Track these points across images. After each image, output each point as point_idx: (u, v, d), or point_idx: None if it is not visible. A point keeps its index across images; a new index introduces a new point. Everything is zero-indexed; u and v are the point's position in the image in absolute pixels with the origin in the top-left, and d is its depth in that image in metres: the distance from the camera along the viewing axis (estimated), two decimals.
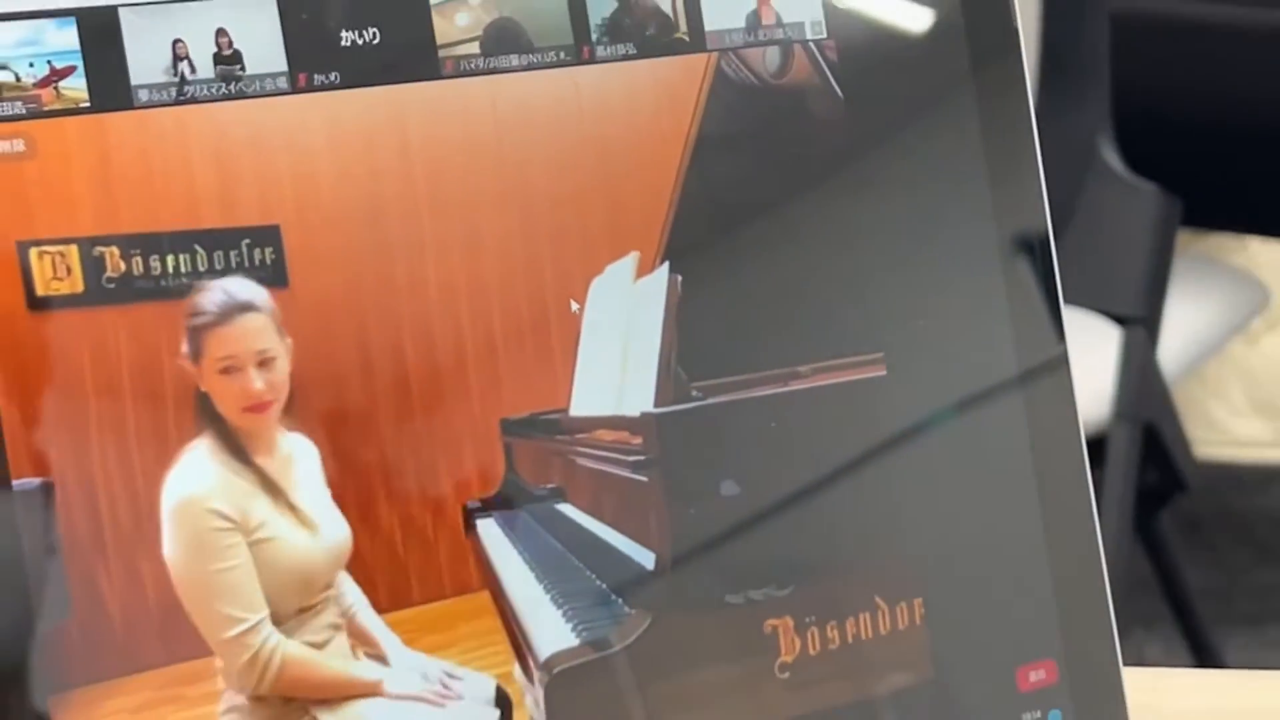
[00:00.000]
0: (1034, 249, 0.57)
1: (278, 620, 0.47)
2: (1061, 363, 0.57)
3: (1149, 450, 1.62)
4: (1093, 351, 1.55)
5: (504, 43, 0.50)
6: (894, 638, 0.53)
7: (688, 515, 0.51)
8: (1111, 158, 1.52)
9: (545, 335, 0.50)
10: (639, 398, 0.51)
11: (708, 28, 0.52)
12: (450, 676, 0.49)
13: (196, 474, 0.46)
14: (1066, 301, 1.52)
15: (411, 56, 0.49)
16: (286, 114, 0.48)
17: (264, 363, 0.47)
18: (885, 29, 0.55)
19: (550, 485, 0.50)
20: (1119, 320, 1.56)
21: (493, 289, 0.50)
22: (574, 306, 0.50)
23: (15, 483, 0.44)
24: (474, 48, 0.49)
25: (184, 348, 0.46)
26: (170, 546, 0.46)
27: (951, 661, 0.54)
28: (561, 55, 0.50)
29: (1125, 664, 0.57)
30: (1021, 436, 0.56)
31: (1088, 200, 1.51)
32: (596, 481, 0.51)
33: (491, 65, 0.50)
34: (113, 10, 0.46)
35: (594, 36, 0.51)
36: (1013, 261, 0.57)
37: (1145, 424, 1.58)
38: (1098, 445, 1.56)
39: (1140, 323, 1.56)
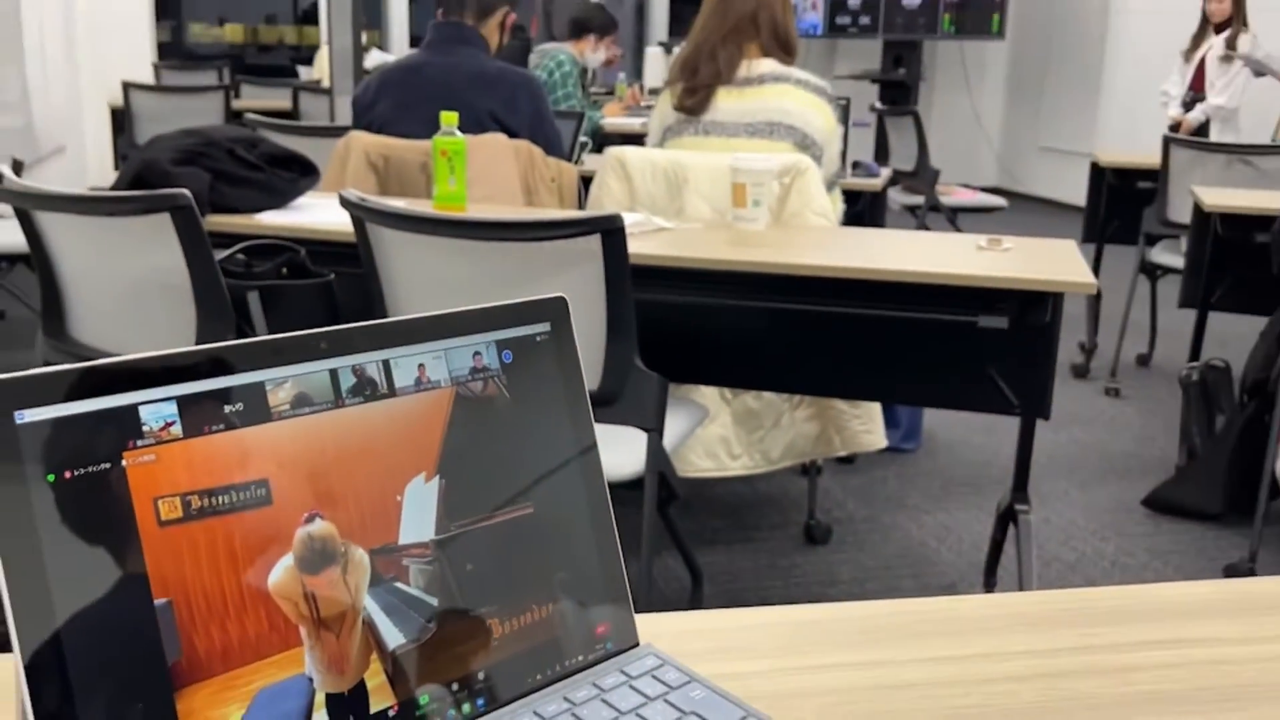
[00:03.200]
0: (583, 420, 0.57)
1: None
2: (593, 449, 0.56)
3: (662, 481, 1.65)
4: (635, 445, 1.59)
5: (300, 403, 0.48)
6: (541, 622, 0.54)
7: (446, 579, 0.51)
8: (639, 364, 1.56)
9: (387, 511, 0.50)
10: (428, 532, 0.51)
11: (397, 384, 0.51)
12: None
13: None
14: (624, 424, 1.54)
15: (257, 412, 0.47)
16: (268, 434, 0.47)
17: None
18: (524, 368, 0.56)
19: (392, 575, 0.50)
20: (646, 430, 1.60)
21: (364, 493, 0.49)
22: (398, 498, 0.50)
23: (155, 601, 0.43)
24: (287, 406, 0.47)
25: None
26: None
27: (566, 629, 0.55)
28: (328, 405, 0.49)
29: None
30: (584, 502, 0.56)
31: (631, 383, 1.54)
32: (411, 571, 0.50)
33: (294, 413, 0.48)
34: (191, 395, 0.45)
35: (343, 395, 0.49)
36: (576, 430, 0.56)
37: (660, 471, 1.62)
38: (640, 483, 1.59)
39: (655, 430, 1.59)
